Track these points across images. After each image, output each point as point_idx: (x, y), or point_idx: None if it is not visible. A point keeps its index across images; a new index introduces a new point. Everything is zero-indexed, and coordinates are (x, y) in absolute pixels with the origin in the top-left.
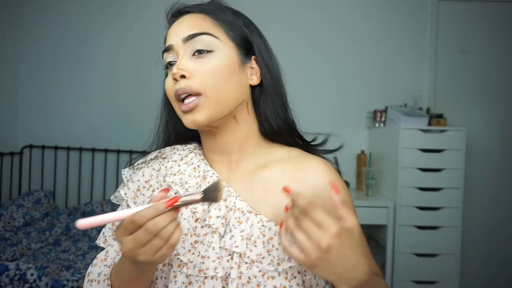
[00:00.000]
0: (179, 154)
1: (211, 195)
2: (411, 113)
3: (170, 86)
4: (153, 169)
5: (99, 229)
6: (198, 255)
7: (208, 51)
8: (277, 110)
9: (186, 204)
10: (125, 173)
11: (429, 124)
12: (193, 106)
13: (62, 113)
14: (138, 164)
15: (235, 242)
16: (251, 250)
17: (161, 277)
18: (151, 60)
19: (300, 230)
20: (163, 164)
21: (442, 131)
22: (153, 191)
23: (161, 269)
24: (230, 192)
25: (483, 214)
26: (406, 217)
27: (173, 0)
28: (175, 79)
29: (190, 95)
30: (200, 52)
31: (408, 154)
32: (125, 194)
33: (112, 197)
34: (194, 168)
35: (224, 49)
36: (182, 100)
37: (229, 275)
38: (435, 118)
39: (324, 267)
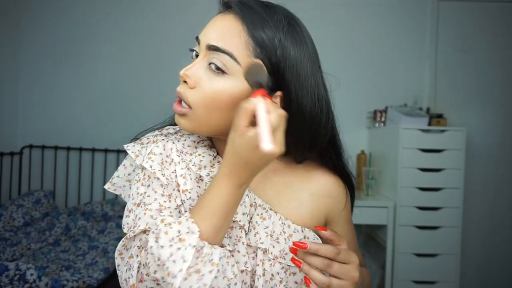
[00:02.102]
0: (198, 136)
1: (258, 78)
2: (411, 113)
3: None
4: (173, 142)
5: (98, 229)
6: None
7: (223, 72)
8: (295, 148)
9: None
10: (131, 148)
11: (429, 124)
12: (182, 113)
13: (62, 113)
14: (148, 138)
15: (260, 238)
16: (273, 247)
17: None
18: (153, 61)
19: (331, 277)
20: (179, 141)
21: (442, 131)
22: (175, 165)
23: None
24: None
25: (483, 214)
26: (406, 217)
27: None
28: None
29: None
30: (216, 67)
31: (408, 154)
32: (151, 166)
33: (107, 186)
34: (214, 156)
35: (239, 78)
36: (180, 100)
37: (255, 271)
38: (435, 118)
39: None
